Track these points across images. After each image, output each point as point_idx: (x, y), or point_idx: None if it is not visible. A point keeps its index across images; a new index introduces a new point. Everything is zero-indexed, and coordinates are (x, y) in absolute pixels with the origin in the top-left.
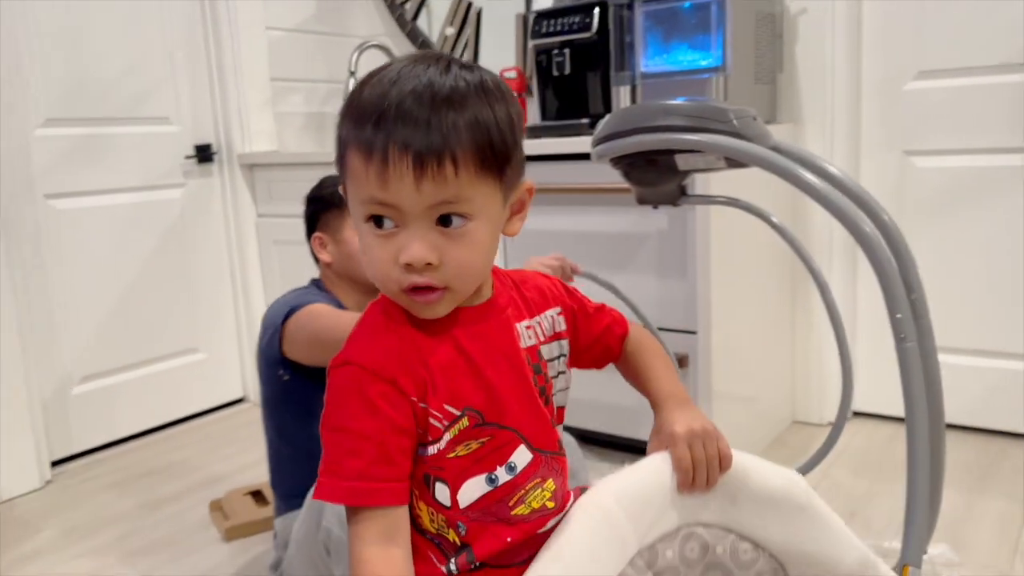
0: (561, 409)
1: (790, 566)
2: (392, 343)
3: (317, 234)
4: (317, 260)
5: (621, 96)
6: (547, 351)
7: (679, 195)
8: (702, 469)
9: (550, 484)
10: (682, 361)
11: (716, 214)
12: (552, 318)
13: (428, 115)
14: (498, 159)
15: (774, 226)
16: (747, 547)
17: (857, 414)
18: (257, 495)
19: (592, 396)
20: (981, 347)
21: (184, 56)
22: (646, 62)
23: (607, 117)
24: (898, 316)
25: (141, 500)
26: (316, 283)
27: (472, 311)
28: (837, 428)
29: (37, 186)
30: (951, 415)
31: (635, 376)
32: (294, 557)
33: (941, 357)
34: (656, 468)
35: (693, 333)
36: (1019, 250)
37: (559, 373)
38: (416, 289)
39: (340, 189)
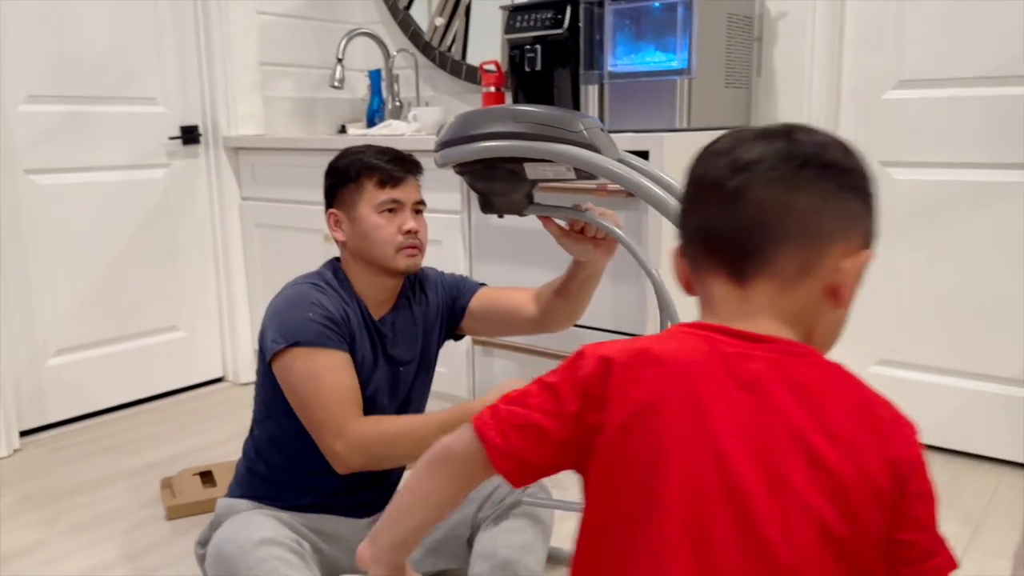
0: None
1: None
2: None
3: (332, 210)
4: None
5: (590, 96)
6: None
7: (526, 204)
8: None
9: None
10: None
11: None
12: None
13: None
14: None
15: (617, 236)
16: None
17: None
18: (206, 476)
19: None
20: (952, 367)
21: (172, 38)
22: (614, 62)
23: (451, 120)
24: None
25: (101, 473)
26: (334, 264)
27: None
28: None
29: (18, 161)
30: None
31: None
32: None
33: (913, 375)
34: None
35: None
36: (996, 268)
37: None
38: None
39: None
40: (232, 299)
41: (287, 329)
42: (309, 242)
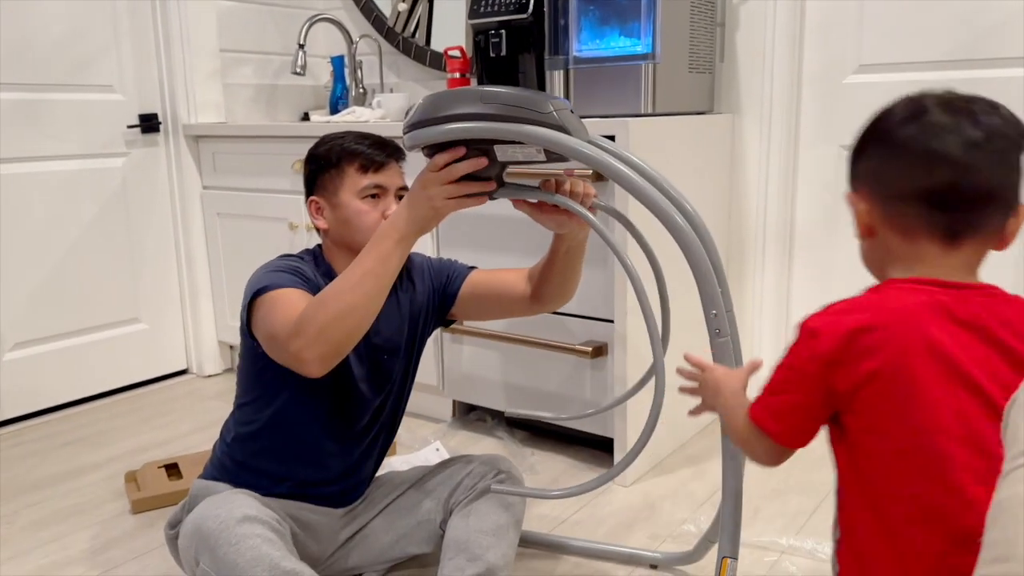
0: None
1: None
2: None
3: (312, 198)
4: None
5: (555, 81)
6: None
7: (495, 188)
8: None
9: None
10: (600, 350)
11: (637, 203)
12: None
13: None
14: None
15: (585, 217)
16: None
17: None
18: (171, 468)
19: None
20: None
21: (129, 23)
22: (579, 47)
23: (420, 102)
24: (713, 313)
25: (62, 468)
26: (315, 252)
27: None
28: (647, 432)
29: None
30: None
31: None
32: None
33: None
34: None
35: (610, 322)
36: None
37: None
38: None
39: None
40: (195, 290)
41: (252, 286)
42: (273, 231)
